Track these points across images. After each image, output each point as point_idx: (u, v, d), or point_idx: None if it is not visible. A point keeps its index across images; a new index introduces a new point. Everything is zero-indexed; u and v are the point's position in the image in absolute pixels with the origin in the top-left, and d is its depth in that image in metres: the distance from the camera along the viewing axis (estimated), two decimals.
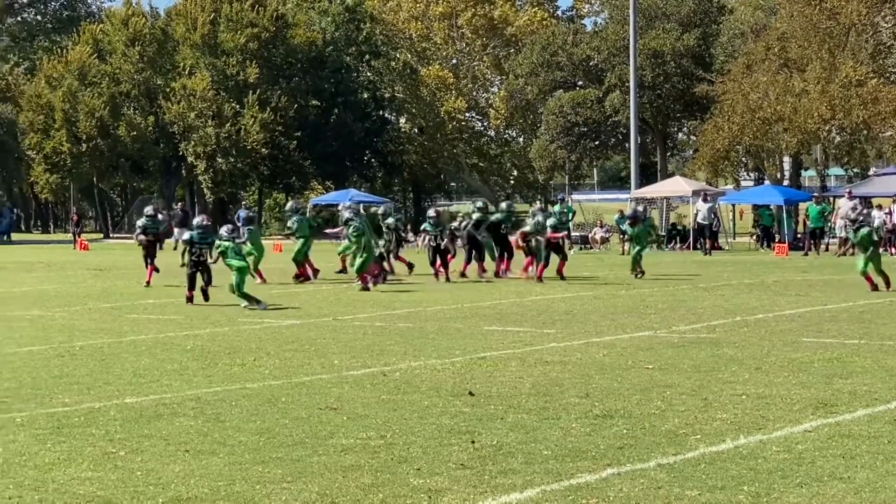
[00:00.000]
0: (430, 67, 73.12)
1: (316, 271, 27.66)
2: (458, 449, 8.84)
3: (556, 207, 27.02)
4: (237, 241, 22.08)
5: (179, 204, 58.96)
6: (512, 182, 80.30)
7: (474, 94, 77.04)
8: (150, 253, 27.09)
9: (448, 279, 26.81)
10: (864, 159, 55.71)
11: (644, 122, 60.42)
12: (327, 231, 32.39)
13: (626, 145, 57.66)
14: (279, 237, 50.91)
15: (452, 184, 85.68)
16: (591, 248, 45.85)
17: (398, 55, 73.52)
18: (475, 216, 28.48)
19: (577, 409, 10.41)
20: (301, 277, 27.23)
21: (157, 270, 26.94)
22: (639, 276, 27.46)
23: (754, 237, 48.52)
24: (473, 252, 27.95)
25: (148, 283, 26.40)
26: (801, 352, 14.03)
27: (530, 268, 27.23)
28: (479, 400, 10.90)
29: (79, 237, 55.22)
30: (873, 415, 10.03)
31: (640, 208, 31.71)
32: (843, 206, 38.88)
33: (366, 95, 72.09)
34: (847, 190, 44.39)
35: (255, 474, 8.12)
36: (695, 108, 58.55)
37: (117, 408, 10.71)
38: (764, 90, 47.21)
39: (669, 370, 12.66)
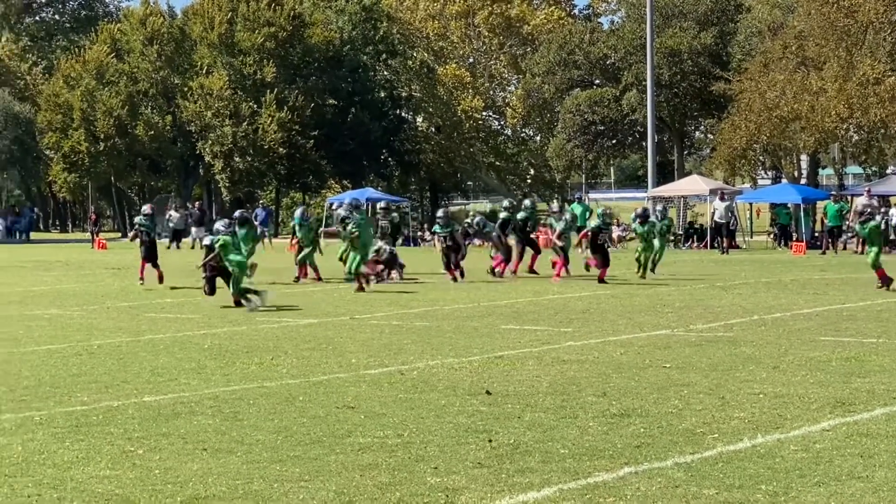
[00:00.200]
0: (446, 66, 73.18)
1: (319, 279, 27.47)
2: (476, 448, 8.83)
3: (599, 210, 27.37)
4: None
5: (197, 203, 59.03)
6: (529, 181, 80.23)
7: (491, 92, 77.07)
8: (150, 254, 26.22)
9: (462, 276, 26.62)
10: (882, 157, 55.54)
11: (661, 121, 60.28)
12: (327, 231, 32.20)
13: (643, 144, 57.52)
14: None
15: (469, 183, 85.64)
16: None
17: (415, 54, 73.57)
18: (502, 215, 28.65)
19: (595, 407, 10.40)
20: (299, 278, 27.24)
21: (161, 280, 25.62)
22: (643, 276, 27.15)
23: (772, 236, 48.43)
24: (524, 247, 28.23)
25: (141, 278, 26.16)
26: (818, 350, 13.98)
27: (562, 270, 27.18)
28: (496, 399, 10.89)
29: (97, 236, 55.41)
30: (892, 414, 9.99)
31: (660, 207, 31.46)
32: (858, 203, 38.82)
33: (383, 94, 72.12)
34: (866, 188, 44.26)
35: (272, 473, 8.13)
36: (712, 107, 58.42)
37: (135, 406, 10.73)
38: (781, 88, 47.07)
39: (687, 369, 12.64)
